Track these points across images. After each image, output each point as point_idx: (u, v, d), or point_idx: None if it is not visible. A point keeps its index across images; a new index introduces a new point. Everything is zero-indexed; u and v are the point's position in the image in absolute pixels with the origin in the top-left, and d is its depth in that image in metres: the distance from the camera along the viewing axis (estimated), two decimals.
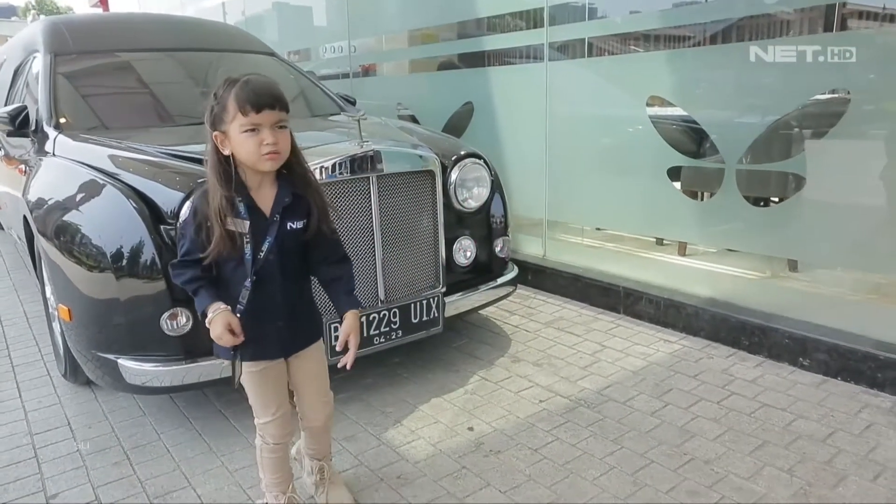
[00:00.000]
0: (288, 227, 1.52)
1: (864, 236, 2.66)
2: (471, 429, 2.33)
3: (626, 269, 3.53)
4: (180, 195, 2.14)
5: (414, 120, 4.74)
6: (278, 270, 1.52)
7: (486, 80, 4.18)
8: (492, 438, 2.26)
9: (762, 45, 2.81)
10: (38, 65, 3.47)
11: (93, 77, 3.55)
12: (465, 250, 2.86)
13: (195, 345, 2.18)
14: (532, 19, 3.81)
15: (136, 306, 2.14)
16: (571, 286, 3.64)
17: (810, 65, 2.67)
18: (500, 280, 3.03)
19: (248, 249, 1.47)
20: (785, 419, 2.30)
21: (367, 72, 5.62)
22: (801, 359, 2.67)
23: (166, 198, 2.18)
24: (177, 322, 2.16)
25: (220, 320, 1.45)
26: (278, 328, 1.56)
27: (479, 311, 3.42)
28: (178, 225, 1.58)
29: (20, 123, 3.21)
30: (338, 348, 1.65)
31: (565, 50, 3.75)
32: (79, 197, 2.38)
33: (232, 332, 1.44)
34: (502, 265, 3.06)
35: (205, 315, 1.48)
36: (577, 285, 3.60)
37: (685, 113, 3.18)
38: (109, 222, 2.21)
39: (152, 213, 2.17)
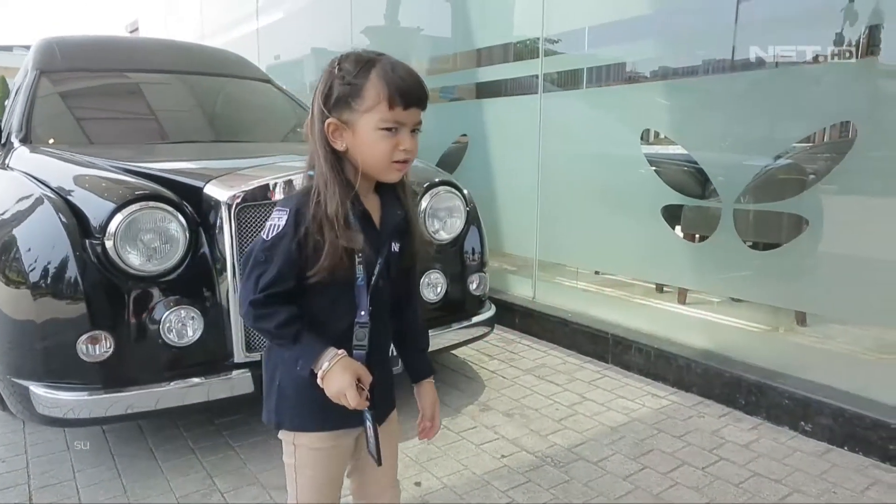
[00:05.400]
0: (392, 249, 1.18)
1: (882, 287, 2.38)
2: (418, 484, 2.07)
3: (619, 316, 3.26)
4: (111, 206, 1.99)
5: None
6: (387, 304, 1.19)
7: (481, 113, 4.03)
8: (439, 496, 1.99)
9: (761, 75, 2.60)
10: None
11: (75, 93, 3.50)
12: (435, 285, 2.64)
13: (116, 373, 1.99)
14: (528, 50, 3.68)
15: (50, 327, 1.96)
16: (558, 331, 3.38)
17: (811, 96, 2.45)
18: (475, 319, 2.79)
19: (360, 272, 1.11)
20: (779, 492, 2.00)
21: None
22: (802, 423, 2.37)
23: (97, 210, 2.02)
24: (98, 347, 1.97)
25: (343, 370, 1.06)
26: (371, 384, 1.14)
27: (456, 355, 3.21)
28: (257, 246, 1.09)
29: None
30: (420, 426, 1.30)
31: (560, 81, 3.59)
32: (14, 210, 2.23)
33: (359, 385, 1.07)
34: (477, 304, 2.83)
35: (309, 370, 1.08)
36: (565, 330, 3.34)
37: (680, 147, 2.96)
38: (36, 237, 2.07)
39: (81, 226, 2.02)
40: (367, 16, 5.26)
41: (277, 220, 1.09)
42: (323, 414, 1.12)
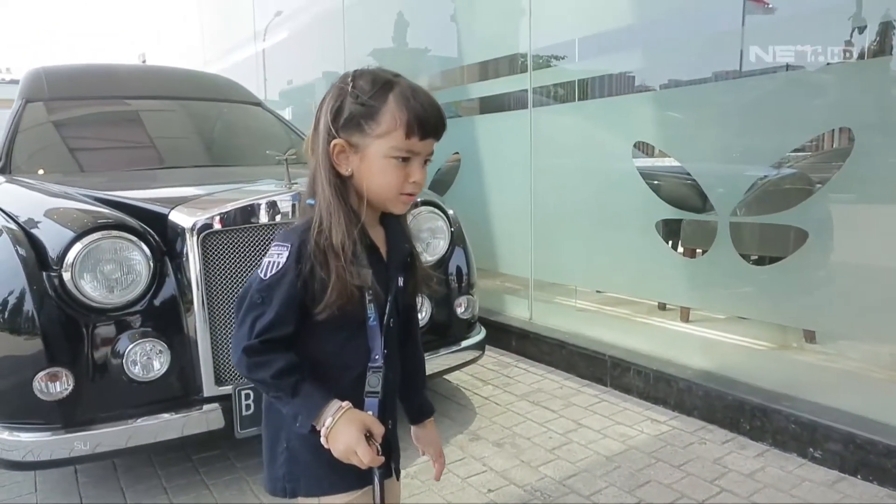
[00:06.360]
0: (399, 284, 1.09)
1: (892, 299, 2.23)
2: None
3: (619, 337, 3.12)
4: (69, 236, 1.92)
5: None
6: (397, 344, 1.09)
7: (472, 130, 3.94)
8: None
9: (754, 83, 2.49)
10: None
11: (60, 122, 3.47)
12: (419, 309, 2.53)
13: (77, 411, 1.90)
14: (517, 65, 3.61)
15: (5, 365, 1.89)
16: (555, 354, 3.25)
17: (806, 103, 2.33)
18: (464, 343, 2.68)
19: (372, 310, 1.01)
20: None
21: None
22: (811, 449, 2.21)
23: (55, 241, 1.94)
24: (57, 384, 1.87)
25: (349, 424, 0.94)
26: (387, 432, 1.04)
27: (449, 380, 3.09)
28: (253, 286, 0.99)
29: None
30: (434, 466, 1.23)
31: (552, 95, 3.50)
32: None
33: (368, 438, 0.96)
34: (465, 327, 2.72)
35: (310, 427, 0.97)
36: (562, 353, 3.20)
37: (672, 158, 2.85)
38: None
39: (39, 258, 1.94)
40: (359, 37, 5.23)
41: (277, 257, 0.97)
42: (347, 472, 0.99)
